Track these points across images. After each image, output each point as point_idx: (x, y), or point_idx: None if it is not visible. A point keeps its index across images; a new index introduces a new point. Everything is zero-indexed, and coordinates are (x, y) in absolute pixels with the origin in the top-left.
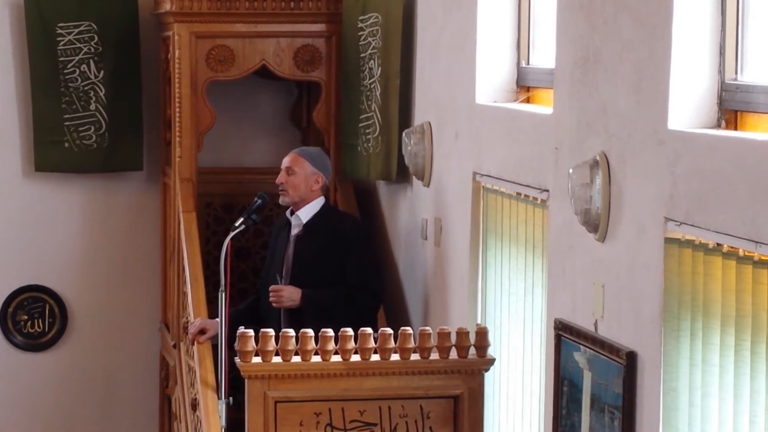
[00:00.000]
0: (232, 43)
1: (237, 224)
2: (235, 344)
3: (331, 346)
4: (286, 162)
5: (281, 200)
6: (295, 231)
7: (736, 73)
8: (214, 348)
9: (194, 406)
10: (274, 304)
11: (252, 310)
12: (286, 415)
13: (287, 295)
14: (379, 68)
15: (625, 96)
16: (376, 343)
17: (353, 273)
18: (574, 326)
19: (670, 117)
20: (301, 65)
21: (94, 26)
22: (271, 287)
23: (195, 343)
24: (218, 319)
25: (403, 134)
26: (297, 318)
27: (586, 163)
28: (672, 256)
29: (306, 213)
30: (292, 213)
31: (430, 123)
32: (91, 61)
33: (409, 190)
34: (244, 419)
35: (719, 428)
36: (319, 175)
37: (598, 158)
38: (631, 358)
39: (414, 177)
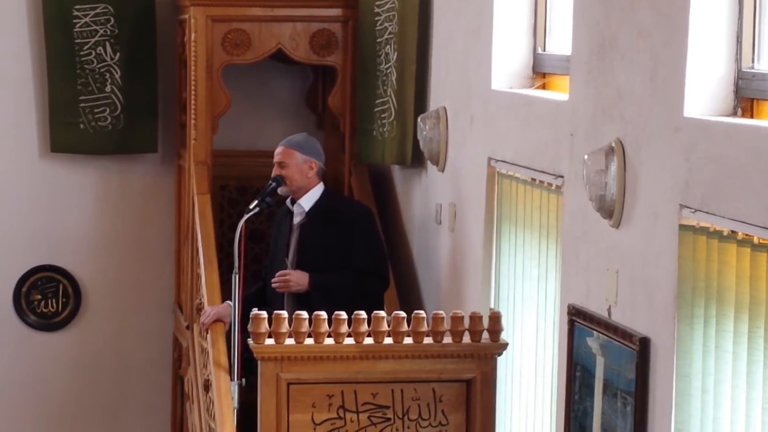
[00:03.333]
0: (248, 27)
1: (251, 207)
2: (249, 326)
3: (345, 328)
4: (276, 156)
5: (280, 190)
6: (297, 219)
7: (753, 61)
8: (227, 330)
9: (207, 387)
10: (279, 290)
11: (261, 295)
12: (299, 396)
13: (295, 279)
14: (396, 53)
15: (641, 83)
16: (389, 326)
17: (359, 257)
18: (587, 312)
19: (686, 104)
20: (317, 49)
21: (111, 8)
22: (279, 272)
23: (209, 331)
24: (228, 302)
25: (419, 119)
26: (303, 303)
27: (602, 149)
28: (686, 243)
29: (307, 201)
30: (293, 202)
31: (445, 108)
32: (107, 43)
33: (424, 175)
34: (257, 401)
35: (732, 415)
36: (311, 161)
37: (613, 145)
38: (644, 344)
39: (429, 162)
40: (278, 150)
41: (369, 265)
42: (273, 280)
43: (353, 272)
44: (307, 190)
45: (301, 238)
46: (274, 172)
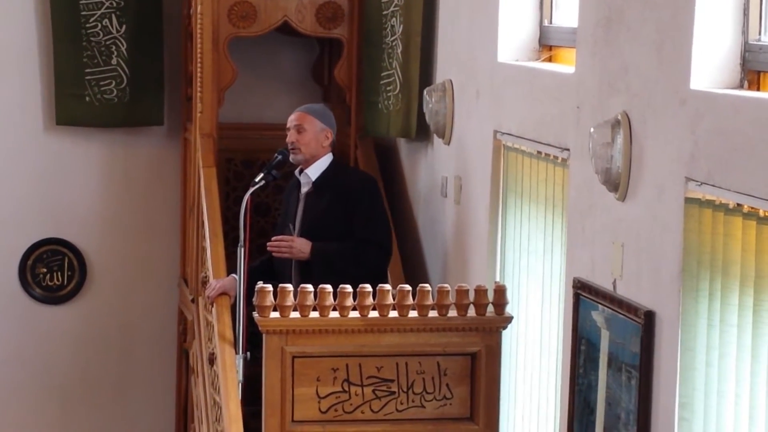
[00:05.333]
0: None
1: (257, 180)
2: (254, 299)
3: (350, 302)
4: (294, 120)
5: (293, 158)
6: (305, 189)
7: (760, 33)
8: (232, 303)
9: (212, 360)
10: (278, 255)
11: (266, 268)
12: (304, 370)
13: (298, 246)
14: (401, 26)
15: (648, 56)
16: (394, 299)
17: (361, 227)
18: (592, 285)
19: (693, 77)
20: (323, 22)
21: None
22: (282, 237)
23: (214, 304)
24: (234, 275)
25: (425, 92)
26: (309, 272)
27: (608, 122)
28: (692, 216)
29: (315, 170)
30: (301, 171)
31: (451, 81)
32: (113, 15)
33: (429, 147)
34: (262, 374)
35: (736, 388)
36: (328, 131)
37: (619, 118)
38: (649, 317)
39: (435, 135)
40: (296, 115)
41: (370, 235)
42: (270, 244)
43: (355, 242)
44: (316, 160)
45: (307, 207)
46: (291, 137)
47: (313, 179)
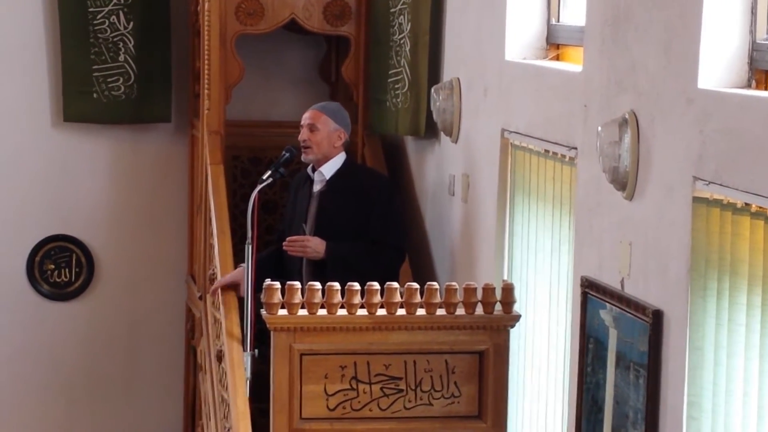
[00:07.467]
0: None
1: (264, 177)
2: (262, 296)
3: (357, 299)
4: (307, 119)
5: (304, 158)
6: (318, 187)
7: None
8: (240, 300)
9: (219, 357)
10: (292, 254)
11: (274, 259)
12: (312, 367)
13: (313, 246)
14: (409, 24)
15: (655, 54)
16: (402, 297)
17: (377, 228)
18: (600, 284)
19: (700, 76)
20: (330, 19)
21: None
22: (297, 237)
23: (217, 293)
24: (242, 265)
25: (432, 90)
26: (320, 271)
27: (615, 121)
28: (700, 216)
29: (329, 169)
30: (314, 170)
31: (459, 79)
32: (120, 12)
33: (437, 146)
34: (270, 371)
35: (744, 387)
36: (342, 131)
37: (627, 116)
38: (657, 316)
39: (442, 133)
40: (310, 114)
41: (385, 236)
42: (285, 244)
43: (371, 243)
44: (328, 159)
45: (321, 206)
46: (303, 134)
47: (328, 177)
